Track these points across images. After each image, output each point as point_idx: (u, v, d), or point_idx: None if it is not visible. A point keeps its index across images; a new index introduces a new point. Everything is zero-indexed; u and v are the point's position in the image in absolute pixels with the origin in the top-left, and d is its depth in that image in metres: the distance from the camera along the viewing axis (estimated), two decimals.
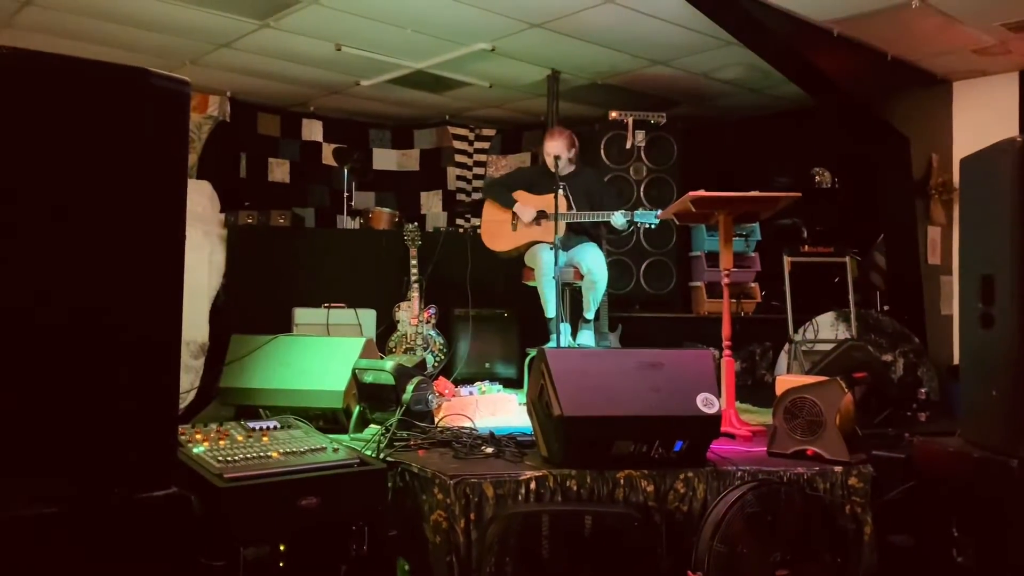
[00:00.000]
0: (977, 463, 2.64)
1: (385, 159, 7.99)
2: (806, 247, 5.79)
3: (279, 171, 7.47)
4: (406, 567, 2.79)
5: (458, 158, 7.90)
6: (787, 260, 5.63)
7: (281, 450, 2.61)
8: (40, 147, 1.94)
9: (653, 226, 4.83)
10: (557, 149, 4.91)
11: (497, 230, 5.10)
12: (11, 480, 1.89)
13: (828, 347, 4.93)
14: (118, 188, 2.03)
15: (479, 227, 5.20)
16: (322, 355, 3.88)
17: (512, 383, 5.16)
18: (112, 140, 2.03)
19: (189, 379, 4.88)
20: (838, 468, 2.94)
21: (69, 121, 1.98)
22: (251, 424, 2.85)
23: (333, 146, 7.31)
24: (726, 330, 3.75)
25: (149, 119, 2.07)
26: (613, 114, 6.37)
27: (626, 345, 5.45)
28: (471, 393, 4.10)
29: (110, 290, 2.02)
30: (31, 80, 1.93)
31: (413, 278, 5.44)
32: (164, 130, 2.10)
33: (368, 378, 3.56)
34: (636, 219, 4.72)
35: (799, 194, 3.78)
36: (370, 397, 3.57)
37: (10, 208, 1.90)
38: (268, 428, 2.84)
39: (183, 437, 2.59)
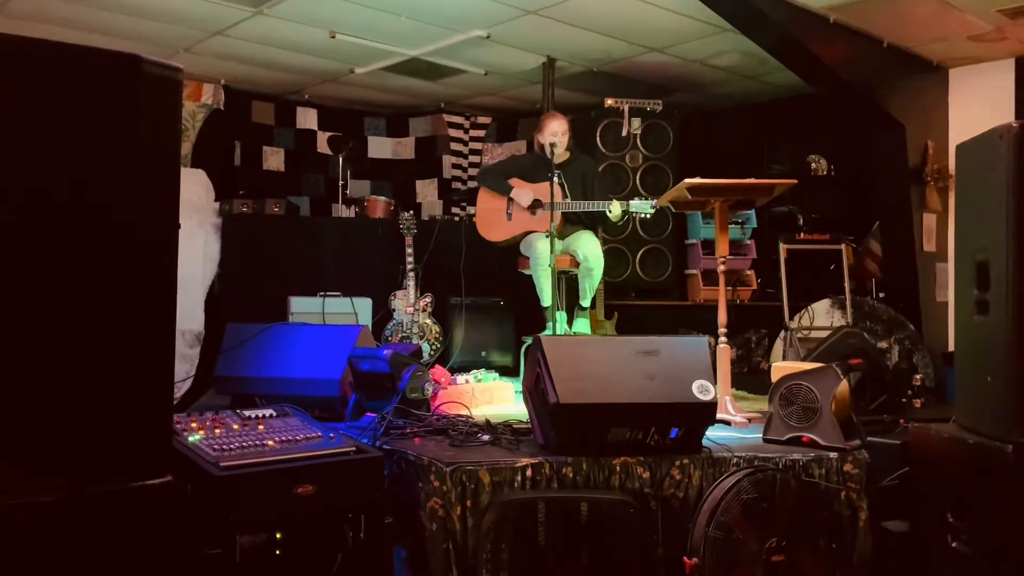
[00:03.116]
0: (972, 449, 2.65)
1: (380, 147, 7.96)
2: (802, 234, 5.81)
3: (274, 159, 7.44)
4: (402, 554, 2.79)
5: (453, 146, 7.87)
6: (783, 247, 5.65)
7: (277, 438, 2.61)
8: (30, 135, 1.93)
9: (648, 216, 4.82)
10: (560, 127, 4.92)
11: (492, 219, 5.08)
12: (6, 469, 1.89)
13: (824, 334, 4.94)
14: (110, 177, 2.02)
15: (475, 215, 5.19)
16: (318, 343, 3.87)
17: (508, 371, 5.16)
18: (104, 128, 2.01)
19: (185, 368, 4.88)
20: (833, 455, 2.95)
21: (60, 108, 1.96)
22: (247, 412, 2.84)
23: (328, 134, 7.27)
24: (722, 317, 3.75)
25: (141, 106, 2.05)
26: (609, 101, 6.37)
27: (622, 333, 5.45)
28: (467, 381, 4.10)
29: (104, 279, 2.01)
30: (22, 66, 1.91)
31: (409, 266, 5.43)
32: (157, 118, 2.09)
33: (364, 366, 3.56)
34: (632, 209, 4.72)
35: (795, 181, 3.77)
36: (366, 385, 3.57)
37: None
38: (264, 416, 2.82)
39: (179, 426, 2.58)
